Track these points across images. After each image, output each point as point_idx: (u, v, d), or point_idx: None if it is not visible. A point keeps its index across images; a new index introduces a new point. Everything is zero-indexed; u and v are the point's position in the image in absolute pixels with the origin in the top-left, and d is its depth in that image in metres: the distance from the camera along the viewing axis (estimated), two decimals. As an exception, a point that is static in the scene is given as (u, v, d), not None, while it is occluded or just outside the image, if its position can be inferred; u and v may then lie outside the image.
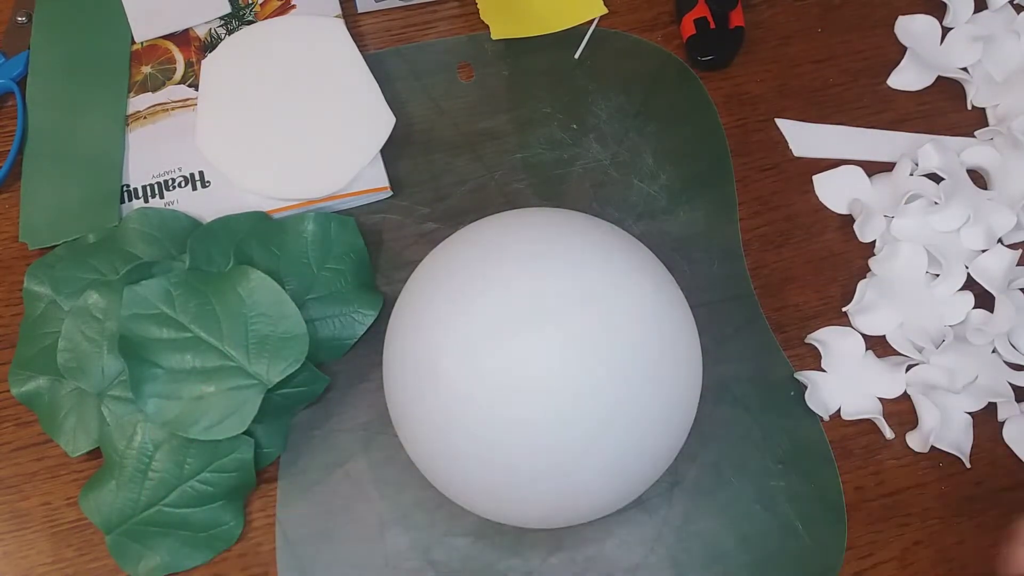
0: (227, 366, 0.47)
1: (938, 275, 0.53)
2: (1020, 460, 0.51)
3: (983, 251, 0.54)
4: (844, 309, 0.53)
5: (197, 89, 0.56)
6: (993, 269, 0.53)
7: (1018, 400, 0.51)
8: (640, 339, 0.40)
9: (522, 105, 0.59)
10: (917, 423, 0.51)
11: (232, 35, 0.58)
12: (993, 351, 0.52)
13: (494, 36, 0.60)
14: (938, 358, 0.52)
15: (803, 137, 0.59)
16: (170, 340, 0.47)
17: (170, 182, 0.54)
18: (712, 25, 0.59)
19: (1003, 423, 0.51)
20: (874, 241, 0.55)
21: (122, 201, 0.53)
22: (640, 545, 0.48)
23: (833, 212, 0.57)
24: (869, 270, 0.55)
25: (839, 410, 0.51)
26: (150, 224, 0.52)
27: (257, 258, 0.51)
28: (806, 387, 0.51)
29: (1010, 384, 0.52)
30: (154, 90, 0.57)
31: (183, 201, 0.53)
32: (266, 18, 0.58)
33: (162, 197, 0.54)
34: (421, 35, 0.61)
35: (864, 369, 0.52)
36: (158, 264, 0.49)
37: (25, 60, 0.57)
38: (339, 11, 0.59)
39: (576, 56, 0.60)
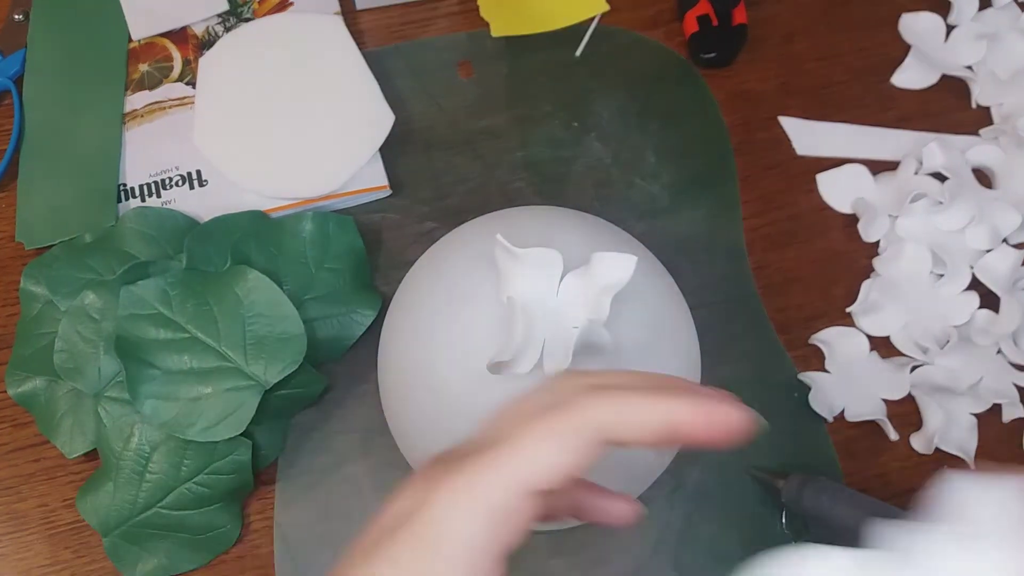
0: (224, 367, 0.47)
1: (943, 275, 0.53)
2: (1025, 462, 0.51)
3: (988, 251, 0.53)
4: (848, 309, 0.52)
5: (195, 87, 0.56)
6: (998, 269, 0.53)
7: (1023, 401, 0.51)
8: (637, 339, 0.40)
9: (522, 103, 0.58)
10: (921, 424, 0.51)
11: (230, 33, 0.57)
12: (998, 352, 0.52)
13: (494, 33, 0.60)
14: (943, 359, 0.51)
15: (806, 135, 0.58)
16: (167, 341, 0.47)
17: (167, 181, 0.54)
18: (715, 22, 0.59)
19: (1008, 424, 0.51)
20: (878, 241, 0.55)
21: (119, 200, 0.53)
22: (642, 547, 0.48)
23: (837, 211, 0.56)
24: (873, 270, 0.54)
25: (843, 411, 0.51)
26: (147, 223, 0.52)
27: (255, 258, 0.50)
28: (810, 388, 0.51)
29: (1015, 385, 0.51)
30: (151, 88, 0.56)
31: (180, 200, 0.53)
32: (264, 15, 0.58)
33: (159, 196, 0.53)
34: (420, 32, 0.60)
35: (868, 370, 0.52)
36: (155, 264, 0.49)
37: (22, 58, 0.57)
38: (338, 8, 0.58)
39: (577, 54, 0.60)
